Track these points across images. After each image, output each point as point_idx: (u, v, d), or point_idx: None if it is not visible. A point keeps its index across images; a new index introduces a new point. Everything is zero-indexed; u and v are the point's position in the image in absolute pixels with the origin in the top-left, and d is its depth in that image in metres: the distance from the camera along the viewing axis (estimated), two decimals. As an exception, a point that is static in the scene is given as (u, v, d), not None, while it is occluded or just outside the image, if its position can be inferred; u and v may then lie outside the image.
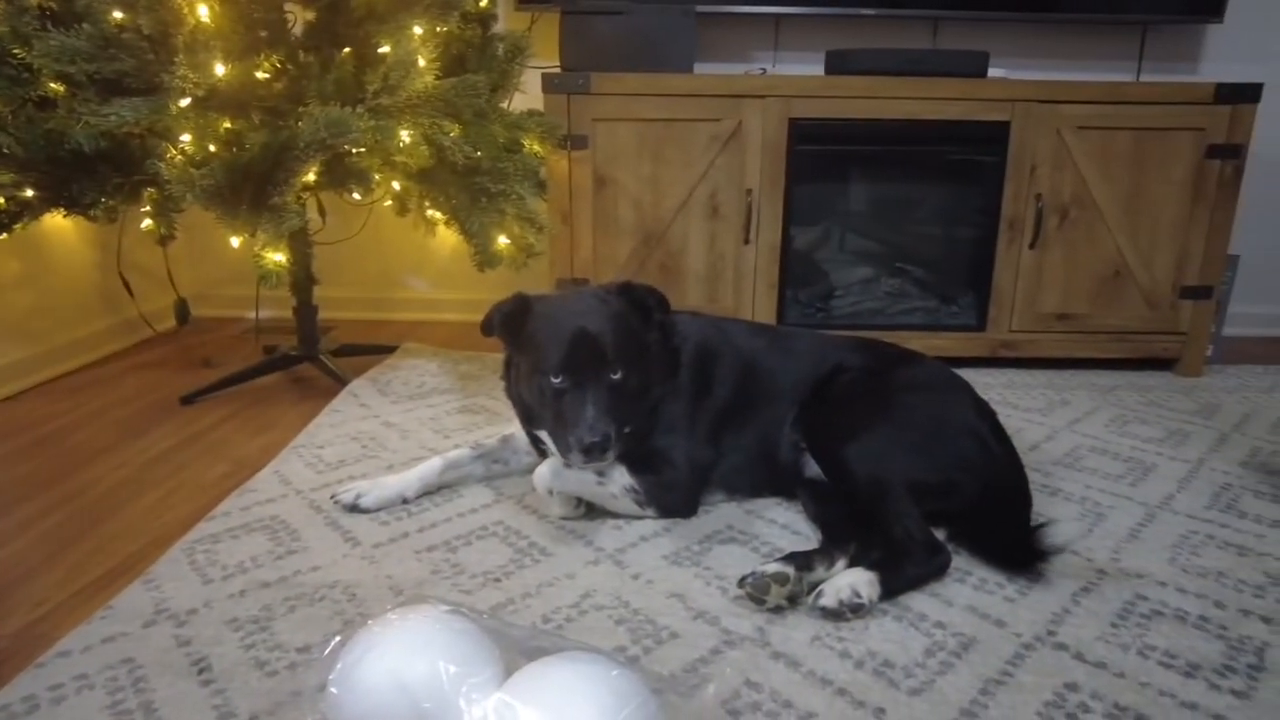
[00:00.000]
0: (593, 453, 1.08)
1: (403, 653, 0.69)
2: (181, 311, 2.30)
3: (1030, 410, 1.75)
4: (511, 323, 1.19)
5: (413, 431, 1.60)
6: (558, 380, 1.12)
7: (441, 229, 1.86)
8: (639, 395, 1.18)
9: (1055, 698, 0.86)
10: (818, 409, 1.25)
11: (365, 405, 1.74)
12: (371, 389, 1.84)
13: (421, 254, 2.44)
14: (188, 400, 1.80)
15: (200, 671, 0.91)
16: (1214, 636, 0.97)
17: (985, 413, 1.25)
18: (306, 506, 1.29)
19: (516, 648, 0.71)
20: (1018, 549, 1.09)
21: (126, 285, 2.17)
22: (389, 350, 2.11)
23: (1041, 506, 1.25)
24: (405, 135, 1.47)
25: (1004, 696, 0.86)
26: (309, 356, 1.93)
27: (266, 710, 0.84)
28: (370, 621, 0.74)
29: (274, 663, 0.91)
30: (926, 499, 1.11)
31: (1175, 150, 1.89)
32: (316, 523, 1.24)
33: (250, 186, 1.35)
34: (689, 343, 1.29)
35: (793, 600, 1.00)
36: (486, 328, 1.22)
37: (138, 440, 1.60)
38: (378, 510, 1.26)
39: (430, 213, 1.85)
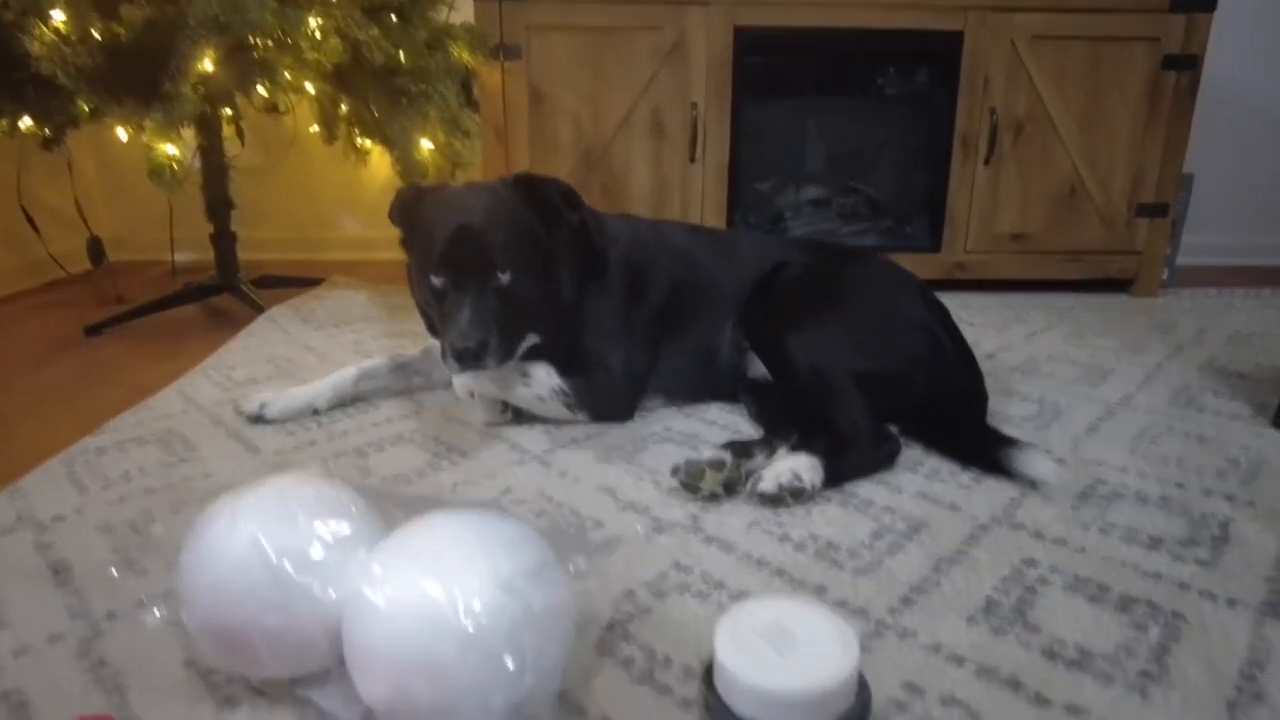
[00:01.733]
0: (465, 359, 0.98)
1: (263, 517, 0.59)
2: (95, 251, 2.14)
3: (985, 326, 1.69)
4: (406, 214, 1.08)
5: (333, 355, 1.48)
6: (437, 281, 1.01)
7: (374, 158, 1.74)
8: (539, 300, 1.06)
9: (1012, 573, 0.79)
10: (761, 305, 1.17)
11: (285, 331, 1.62)
12: (293, 316, 1.72)
13: (352, 189, 2.31)
14: (93, 331, 1.66)
15: (57, 574, 0.80)
16: (1176, 514, 0.91)
17: (937, 308, 1.18)
18: (207, 420, 1.18)
19: (400, 509, 0.61)
20: (973, 442, 1.03)
21: (30, 220, 2.01)
22: (315, 283, 1.98)
23: (997, 406, 1.19)
24: (315, 25, 1.35)
25: (958, 573, 0.79)
26: (227, 286, 1.80)
27: (129, 607, 0.74)
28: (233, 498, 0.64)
29: (143, 563, 0.81)
30: (875, 393, 1.03)
31: (1130, 62, 1.84)
32: (217, 435, 1.13)
33: (138, 73, 1.22)
34: (619, 243, 1.19)
35: (729, 489, 0.91)
36: (390, 214, 1.10)
37: (35, 373, 1.47)
38: (284, 421, 1.15)
39: (360, 140, 1.73)
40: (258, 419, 1.14)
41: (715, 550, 0.82)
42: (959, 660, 0.66)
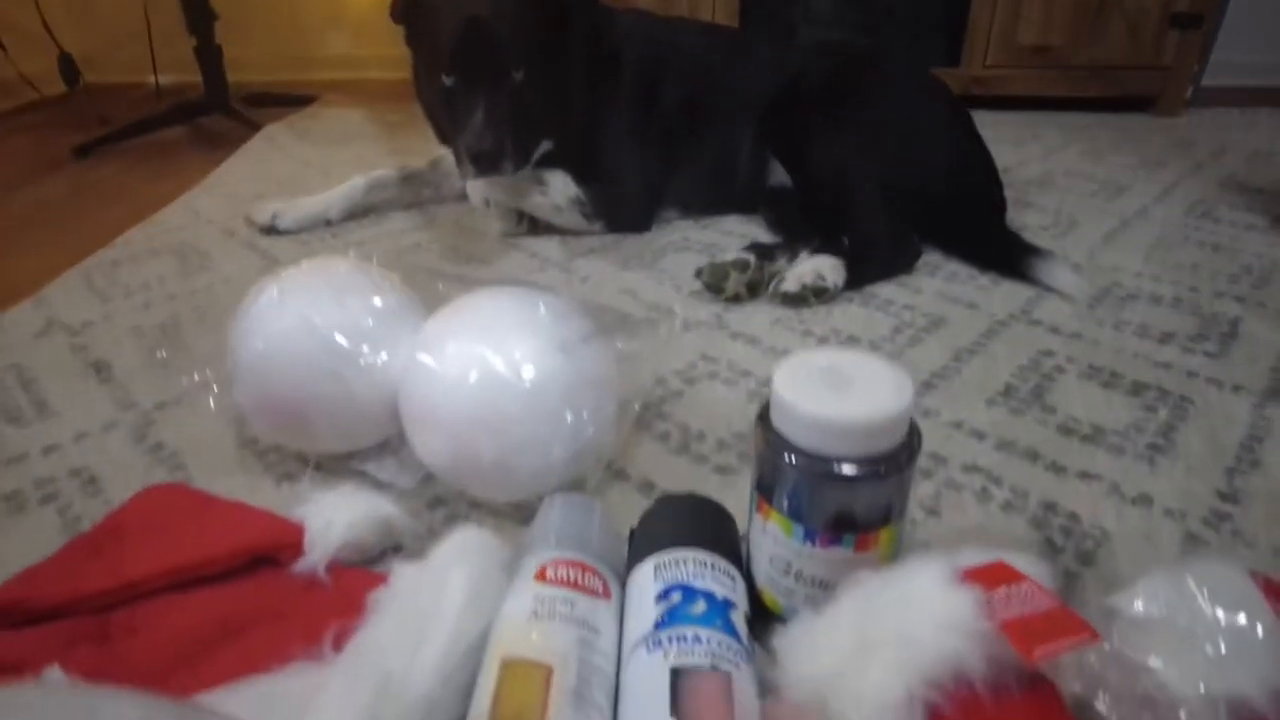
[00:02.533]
0: (481, 163, 0.95)
1: (309, 293, 0.59)
2: (68, 70, 2.03)
3: (1001, 142, 1.63)
4: (409, 9, 1.02)
5: (336, 171, 1.44)
6: (449, 80, 0.97)
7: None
8: (554, 101, 1.02)
9: (1029, 362, 0.82)
10: (783, 110, 1.13)
11: (283, 149, 1.57)
12: (290, 134, 1.66)
13: (336, 4, 2.17)
14: (82, 153, 1.61)
15: (99, 372, 0.82)
16: (1188, 314, 0.93)
17: (960, 112, 1.15)
18: (219, 234, 1.16)
19: (446, 285, 0.62)
20: (993, 246, 1.03)
21: (-6, 34, 1.90)
22: (307, 101, 1.90)
23: (1014, 216, 1.18)
24: None
25: (977, 363, 0.82)
26: (217, 105, 1.73)
27: (174, 399, 0.76)
28: (279, 274, 0.64)
29: (183, 364, 0.82)
30: (897, 197, 1.02)
31: None
32: (231, 247, 1.12)
33: None
34: (633, 44, 1.13)
35: (752, 290, 0.92)
36: (391, 11, 1.04)
37: (28, 191, 1.43)
38: (297, 231, 1.14)
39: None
40: (270, 230, 1.13)
41: (741, 344, 0.84)
42: (980, 435, 0.70)
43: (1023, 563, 0.41)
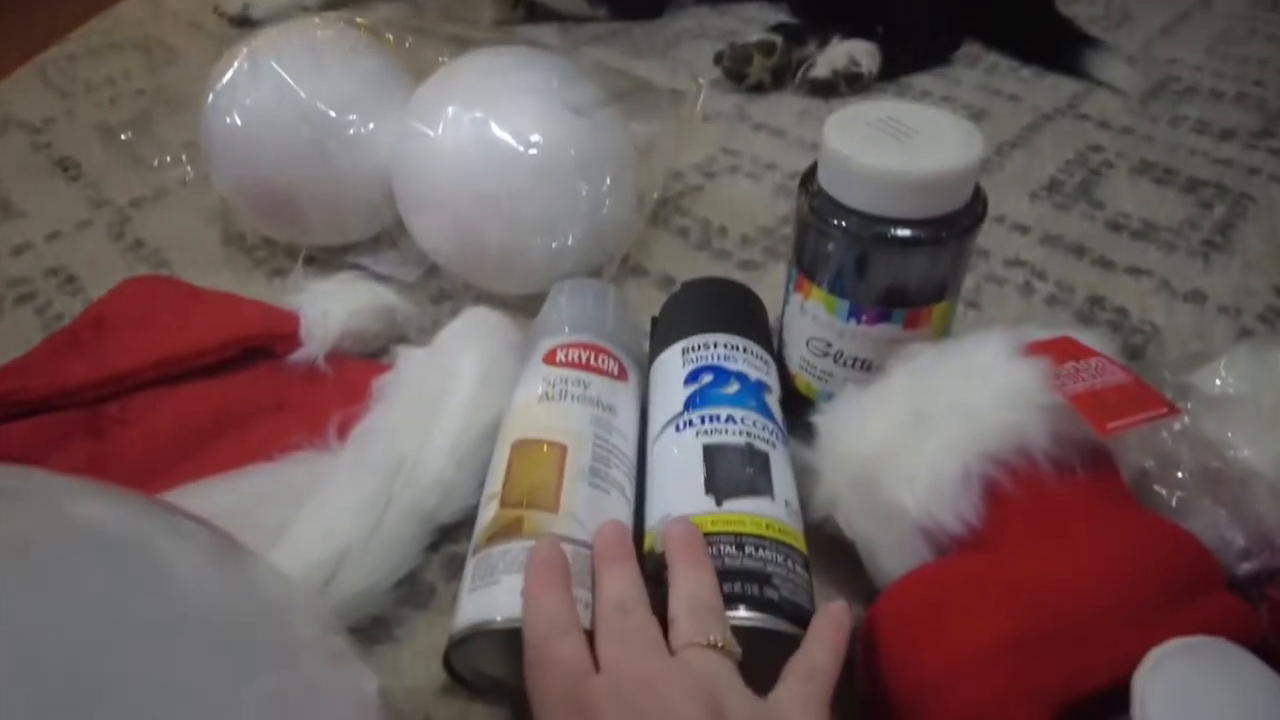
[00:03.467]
0: None
1: (286, 57, 0.52)
2: None
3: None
4: None
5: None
6: None
7: None
8: None
9: (1077, 157, 0.75)
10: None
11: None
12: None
13: None
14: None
15: (65, 170, 0.75)
16: (1252, 110, 0.85)
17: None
18: (185, 26, 1.06)
19: (444, 45, 0.55)
20: (1040, 34, 0.93)
21: None
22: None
23: (1061, 8, 1.06)
24: None
25: (1020, 156, 0.75)
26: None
27: (150, 196, 0.70)
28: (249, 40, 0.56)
29: (153, 151, 0.75)
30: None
31: None
32: (199, 39, 1.02)
33: None
34: None
35: (777, 78, 0.84)
36: None
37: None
38: (272, 20, 1.02)
39: None
40: (242, 21, 1.02)
41: (765, 136, 0.77)
42: (1024, 229, 0.65)
43: (1091, 338, 0.38)
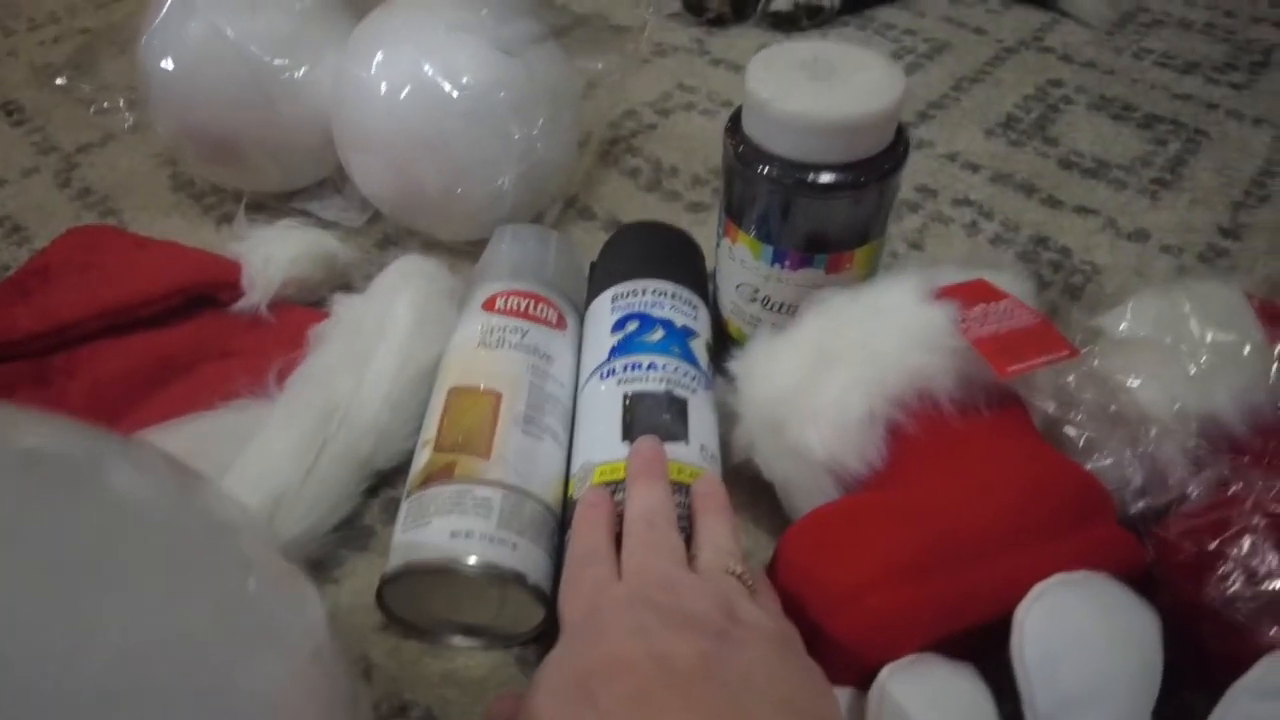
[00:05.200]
0: None
1: (223, 4, 0.51)
2: None
3: None
4: None
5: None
6: None
7: None
8: None
9: (1036, 91, 0.74)
10: None
11: None
12: None
13: None
14: None
15: (9, 114, 0.74)
16: (1219, 40, 0.84)
17: None
18: (132, -42, 1.02)
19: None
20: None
21: None
22: None
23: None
24: None
25: (979, 91, 0.74)
26: None
27: (98, 142, 0.69)
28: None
29: (102, 101, 0.74)
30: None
31: None
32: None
33: None
34: None
35: (738, 10, 0.82)
36: None
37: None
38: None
39: None
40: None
41: (722, 71, 0.76)
42: (974, 167, 0.65)
43: (1005, 280, 0.38)
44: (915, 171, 0.64)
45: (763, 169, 0.37)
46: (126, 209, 0.62)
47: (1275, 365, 0.38)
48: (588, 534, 0.32)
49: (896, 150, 0.38)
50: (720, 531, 0.32)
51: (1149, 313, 0.38)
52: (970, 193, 0.62)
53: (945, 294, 0.36)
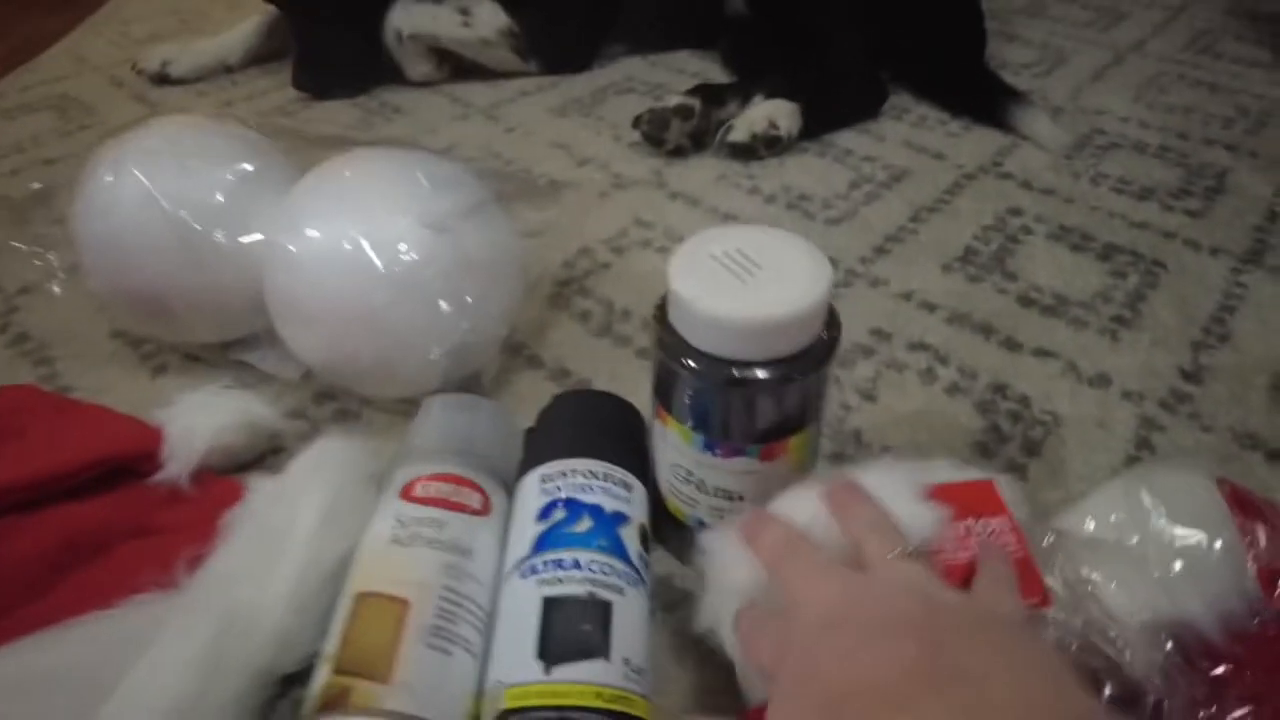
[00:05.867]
0: None
1: (151, 164, 0.50)
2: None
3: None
4: None
5: (246, 2, 1.28)
6: None
7: None
8: None
9: (995, 221, 0.74)
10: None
11: (184, -21, 1.39)
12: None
13: None
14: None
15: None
16: (1173, 164, 0.85)
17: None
18: (105, 83, 1.03)
19: (315, 149, 0.53)
20: (968, 87, 0.93)
21: None
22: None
23: (996, 51, 1.06)
24: None
25: (937, 222, 0.74)
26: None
27: (40, 283, 0.68)
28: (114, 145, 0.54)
29: (53, 235, 0.73)
30: (870, 27, 0.90)
31: None
32: (118, 98, 0.99)
33: None
34: None
35: (697, 141, 0.83)
36: None
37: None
38: (194, 80, 1.01)
39: None
40: (162, 79, 1.00)
41: (680, 205, 0.76)
42: (931, 307, 0.64)
43: (1014, 490, 0.37)
44: (870, 312, 0.63)
45: (689, 362, 0.36)
46: (61, 357, 0.60)
47: (1250, 566, 0.36)
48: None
49: (829, 337, 0.37)
50: (870, 512, 0.31)
51: (1113, 510, 0.37)
52: (926, 335, 0.61)
53: (940, 495, 0.34)
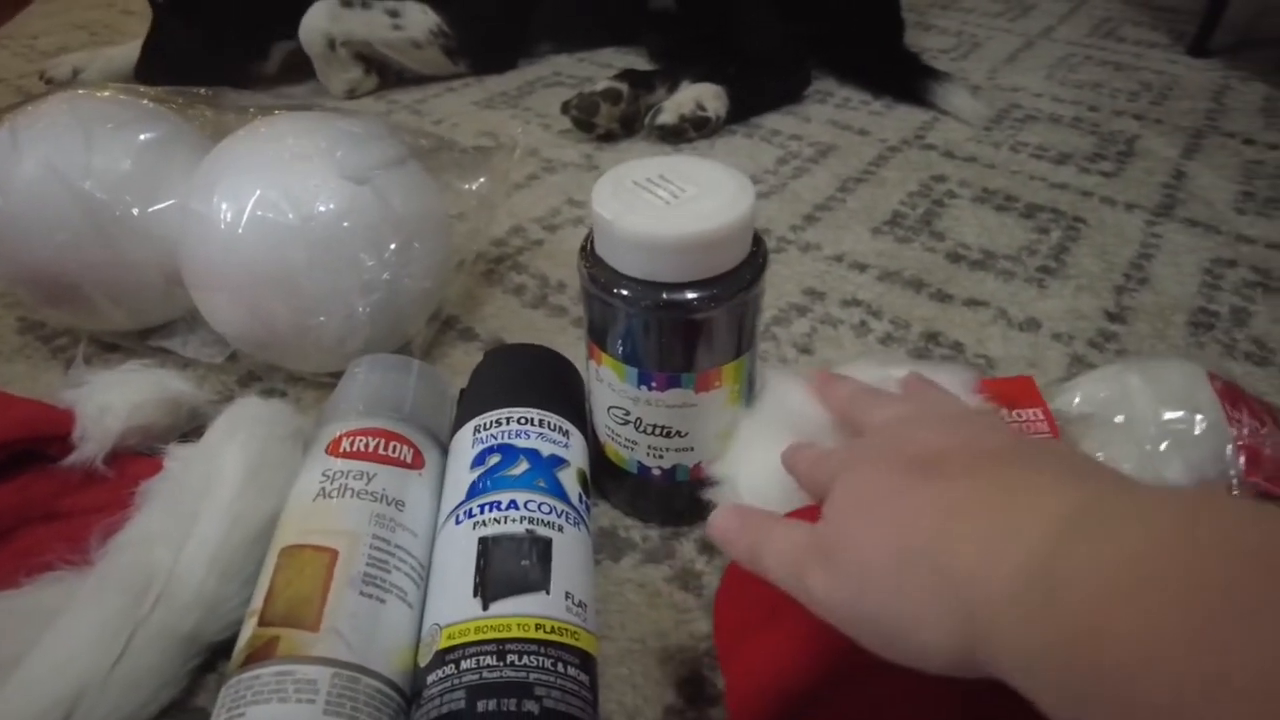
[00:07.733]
0: None
1: (51, 134, 0.48)
2: None
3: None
4: None
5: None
6: None
7: None
8: None
9: (920, 188, 0.76)
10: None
11: (95, -6, 1.35)
12: (105, -23, 1.43)
13: None
14: None
15: None
16: (1087, 133, 0.88)
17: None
18: (13, 95, 0.99)
19: (234, 119, 0.51)
20: (889, 68, 0.95)
21: None
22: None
23: (914, 39, 1.10)
24: None
25: (864, 191, 0.76)
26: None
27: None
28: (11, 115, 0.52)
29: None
30: (791, 14, 0.92)
31: None
32: (26, 109, 0.96)
33: None
34: None
35: (626, 125, 0.83)
36: None
37: None
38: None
39: None
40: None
41: (612, 184, 0.76)
42: (862, 267, 0.65)
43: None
44: (802, 275, 0.63)
45: (618, 290, 0.35)
46: (-35, 356, 0.57)
47: (1230, 445, 0.37)
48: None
49: (755, 261, 0.36)
50: (849, 389, 0.33)
51: (1099, 391, 0.39)
52: (859, 292, 0.62)
53: (986, 390, 0.36)
